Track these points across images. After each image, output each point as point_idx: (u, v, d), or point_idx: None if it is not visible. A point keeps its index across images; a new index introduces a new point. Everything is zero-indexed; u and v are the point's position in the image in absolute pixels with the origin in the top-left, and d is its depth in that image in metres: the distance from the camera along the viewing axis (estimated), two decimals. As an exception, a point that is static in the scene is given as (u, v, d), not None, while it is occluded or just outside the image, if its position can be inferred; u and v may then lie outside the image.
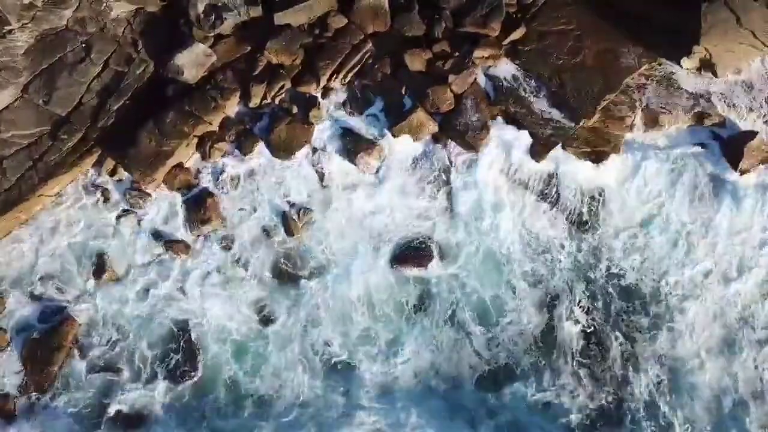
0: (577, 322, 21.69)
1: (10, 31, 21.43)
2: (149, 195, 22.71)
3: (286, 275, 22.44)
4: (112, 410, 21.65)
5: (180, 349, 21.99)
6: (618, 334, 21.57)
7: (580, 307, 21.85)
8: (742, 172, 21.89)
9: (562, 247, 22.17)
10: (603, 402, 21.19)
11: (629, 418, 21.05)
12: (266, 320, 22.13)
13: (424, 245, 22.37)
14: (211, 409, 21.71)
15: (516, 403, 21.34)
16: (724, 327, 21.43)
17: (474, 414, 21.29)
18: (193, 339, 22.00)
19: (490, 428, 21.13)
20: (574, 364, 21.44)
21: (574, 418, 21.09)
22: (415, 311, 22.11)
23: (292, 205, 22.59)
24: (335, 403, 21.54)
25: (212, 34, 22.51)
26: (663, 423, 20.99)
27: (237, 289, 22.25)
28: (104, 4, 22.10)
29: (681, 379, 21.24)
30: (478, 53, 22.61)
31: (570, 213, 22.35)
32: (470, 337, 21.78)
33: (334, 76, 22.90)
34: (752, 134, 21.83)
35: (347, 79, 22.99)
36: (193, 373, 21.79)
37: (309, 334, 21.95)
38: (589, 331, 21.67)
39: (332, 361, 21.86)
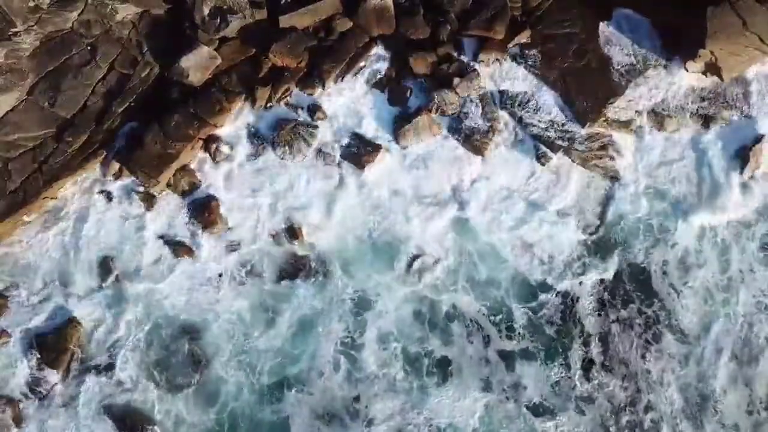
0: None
1: (15, 34, 21.33)
2: (154, 197, 22.70)
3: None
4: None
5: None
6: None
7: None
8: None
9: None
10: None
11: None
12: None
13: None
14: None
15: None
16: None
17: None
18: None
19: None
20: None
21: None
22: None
23: (297, 206, 22.63)
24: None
25: (217, 37, 22.48)
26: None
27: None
28: (109, 7, 22.03)
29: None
30: (483, 56, 22.66)
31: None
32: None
33: (339, 79, 22.92)
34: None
35: (352, 82, 22.99)
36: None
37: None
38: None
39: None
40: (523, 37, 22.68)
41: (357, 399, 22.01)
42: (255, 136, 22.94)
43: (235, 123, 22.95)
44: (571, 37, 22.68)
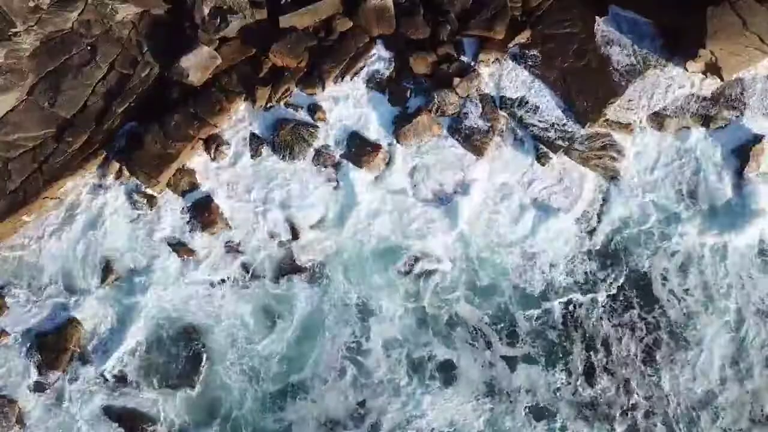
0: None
1: (15, 34, 21.34)
2: (154, 197, 22.70)
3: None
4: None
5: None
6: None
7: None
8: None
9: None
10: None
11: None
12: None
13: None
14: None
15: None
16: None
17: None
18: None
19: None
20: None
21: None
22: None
23: (297, 207, 22.61)
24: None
25: (217, 37, 22.48)
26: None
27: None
28: (109, 7, 22.05)
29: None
30: (483, 56, 22.66)
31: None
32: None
33: (339, 79, 22.93)
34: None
35: (352, 82, 23.01)
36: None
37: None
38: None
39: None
40: (523, 37, 22.68)
41: (362, 404, 22.02)
42: (255, 136, 22.94)
43: (235, 123, 22.96)
44: (571, 37, 22.66)
